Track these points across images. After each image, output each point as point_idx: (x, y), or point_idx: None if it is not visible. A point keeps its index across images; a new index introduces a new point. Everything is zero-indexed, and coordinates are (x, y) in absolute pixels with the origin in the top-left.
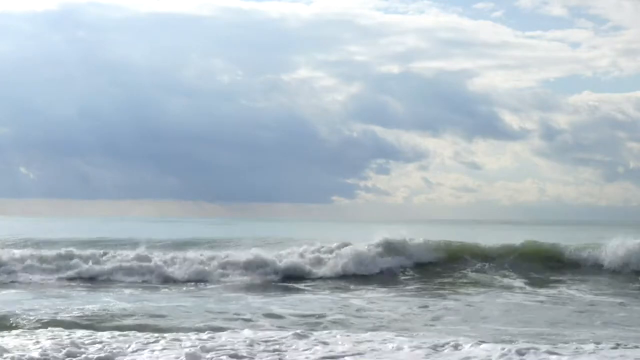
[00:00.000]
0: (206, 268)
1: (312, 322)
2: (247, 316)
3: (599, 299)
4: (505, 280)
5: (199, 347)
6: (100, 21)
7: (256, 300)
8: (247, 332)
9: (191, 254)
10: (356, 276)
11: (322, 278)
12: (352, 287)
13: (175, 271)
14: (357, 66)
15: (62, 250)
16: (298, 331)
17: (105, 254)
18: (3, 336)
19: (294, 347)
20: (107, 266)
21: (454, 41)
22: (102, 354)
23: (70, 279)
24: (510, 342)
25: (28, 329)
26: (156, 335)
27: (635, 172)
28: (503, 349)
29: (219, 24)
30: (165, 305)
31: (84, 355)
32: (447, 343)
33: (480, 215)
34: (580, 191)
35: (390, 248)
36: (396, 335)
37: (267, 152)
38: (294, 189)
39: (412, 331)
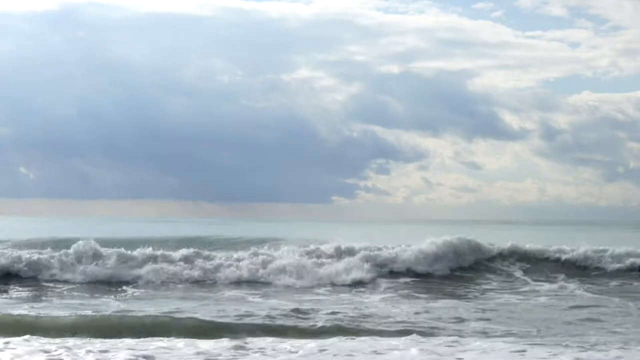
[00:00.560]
0: None
1: None
2: None
3: None
4: None
5: None
6: (100, 21)
7: None
8: None
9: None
10: None
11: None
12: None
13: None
14: (357, 66)
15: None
16: None
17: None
18: None
19: None
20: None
21: (454, 41)
22: None
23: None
24: None
25: None
26: None
27: (635, 172)
28: None
29: (219, 24)
30: None
31: None
32: None
33: (480, 215)
34: (580, 191)
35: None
36: None
37: (267, 152)
38: (294, 189)
39: None
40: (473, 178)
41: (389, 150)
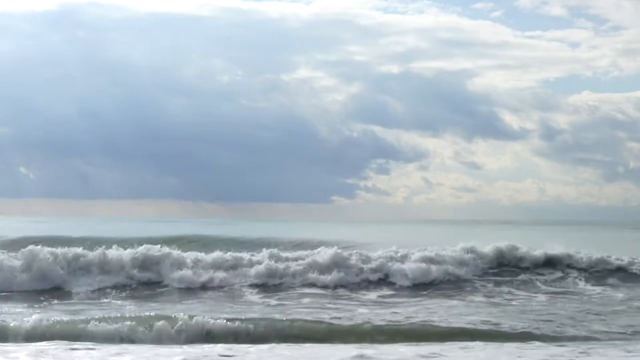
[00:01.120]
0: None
1: None
2: None
3: None
4: None
5: None
6: (100, 21)
7: None
8: None
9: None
10: None
11: None
12: None
13: None
14: (357, 66)
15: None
16: None
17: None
18: None
19: None
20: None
21: (454, 41)
22: None
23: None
24: None
25: None
26: None
27: (635, 172)
28: None
29: (219, 24)
30: None
31: None
32: None
33: (480, 215)
34: (580, 191)
35: None
36: None
37: (267, 152)
38: (294, 189)
39: None
40: (473, 178)
41: (389, 150)
